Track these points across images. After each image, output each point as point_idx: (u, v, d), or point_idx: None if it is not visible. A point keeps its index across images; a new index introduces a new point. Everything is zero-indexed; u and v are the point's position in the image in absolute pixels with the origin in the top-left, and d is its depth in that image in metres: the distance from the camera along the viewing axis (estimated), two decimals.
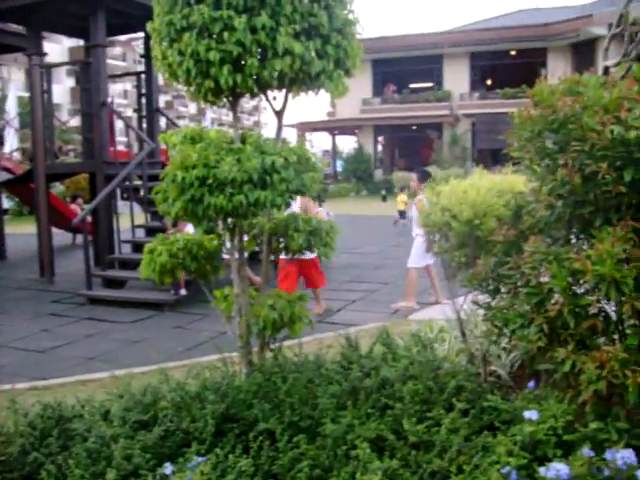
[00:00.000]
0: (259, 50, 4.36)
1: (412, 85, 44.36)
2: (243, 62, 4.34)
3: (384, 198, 32.73)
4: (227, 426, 4.04)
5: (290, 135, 65.42)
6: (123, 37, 35.84)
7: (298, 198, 8.03)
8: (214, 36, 4.28)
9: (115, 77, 23.16)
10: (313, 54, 4.49)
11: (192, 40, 4.26)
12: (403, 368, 4.30)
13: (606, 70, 4.90)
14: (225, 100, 4.82)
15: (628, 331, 3.59)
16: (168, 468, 3.53)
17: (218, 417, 4.03)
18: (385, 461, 3.46)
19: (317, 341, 7.31)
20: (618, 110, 3.49)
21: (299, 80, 4.61)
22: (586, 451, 3.28)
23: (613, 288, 3.28)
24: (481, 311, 4.46)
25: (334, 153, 48.11)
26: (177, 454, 3.81)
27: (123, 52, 71.61)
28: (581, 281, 3.50)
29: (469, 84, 41.25)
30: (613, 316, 3.60)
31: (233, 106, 4.91)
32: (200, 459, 3.54)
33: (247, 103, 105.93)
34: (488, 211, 4.31)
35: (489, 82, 42.46)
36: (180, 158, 4.38)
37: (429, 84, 43.15)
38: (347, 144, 45.44)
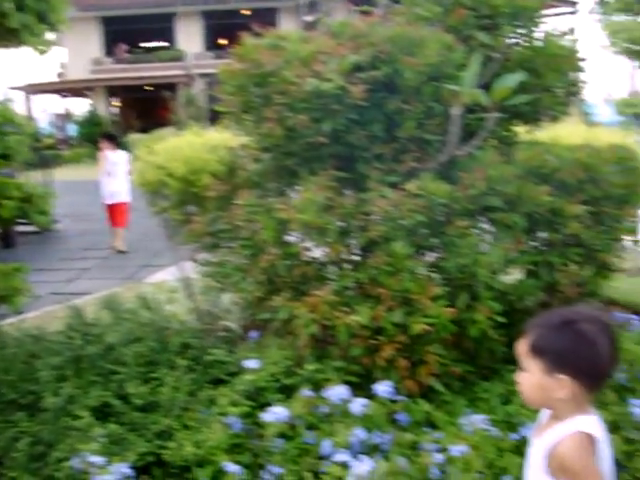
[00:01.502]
0: None
1: (145, 44, 43.07)
2: None
3: None
4: None
5: (18, 98, 60.73)
6: None
7: None
8: None
9: None
10: (12, 6, 4.13)
11: None
12: (127, 331, 4.20)
13: (310, 25, 5.06)
14: None
15: (335, 275, 3.78)
16: None
17: None
18: (108, 427, 3.37)
19: (48, 314, 6.93)
20: (314, 63, 3.61)
21: None
22: (306, 392, 3.43)
23: (318, 235, 3.43)
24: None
25: (65, 117, 45.55)
26: None
27: None
28: (290, 230, 3.62)
29: (203, 43, 40.91)
30: (322, 262, 3.77)
31: None
32: None
33: None
34: (202, 167, 4.30)
35: (223, 41, 42.44)
36: None
37: (163, 43, 42.16)
38: (82, 107, 43.11)
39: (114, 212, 11.69)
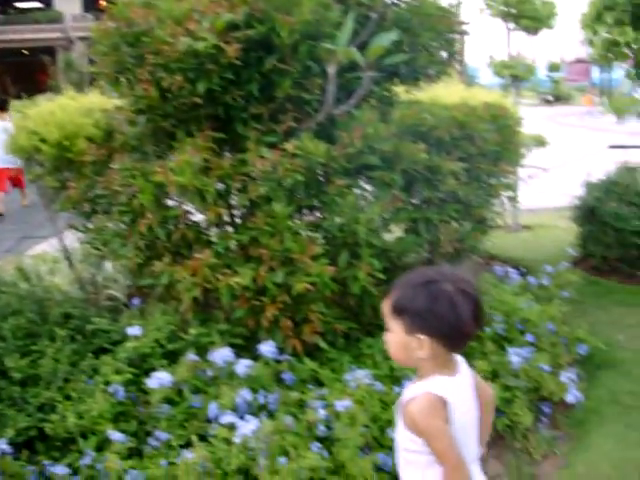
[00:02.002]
0: None
1: (18, 4, 40.86)
2: None
3: None
4: None
5: None
6: None
7: None
8: None
9: None
10: None
11: None
12: (4, 304, 4.05)
13: None
14: None
15: (215, 238, 3.75)
16: None
17: None
18: None
19: None
20: (188, 22, 3.53)
21: None
22: (190, 356, 3.41)
23: (197, 197, 3.38)
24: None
25: None
26: None
27: None
28: (168, 194, 3.55)
29: (82, 5, 39.21)
30: (202, 225, 3.73)
31: None
32: None
33: None
34: (77, 132, 4.15)
35: (103, 2, 40.81)
36: None
37: (38, 4, 40.14)
38: None
39: None
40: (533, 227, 8.97)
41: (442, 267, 2.06)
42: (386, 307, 1.99)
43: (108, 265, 5.15)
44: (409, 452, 2.00)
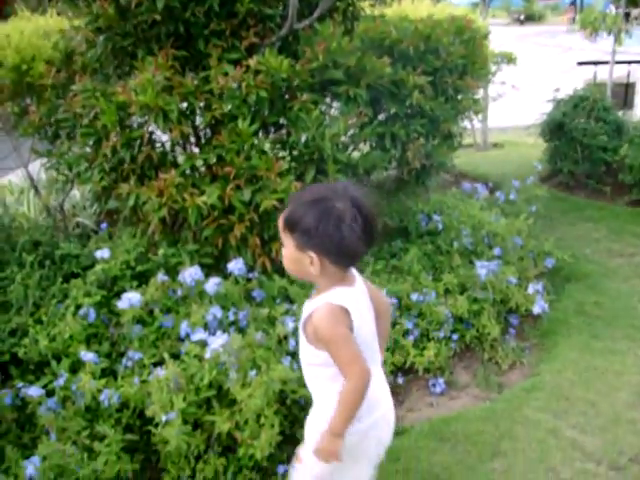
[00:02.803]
0: None
1: None
2: None
3: None
4: None
5: None
6: None
7: None
8: None
9: None
10: None
11: None
12: None
13: None
14: None
15: (181, 157, 3.72)
16: None
17: None
18: None
19: None
20: None
21: None
22: (160, 277, 3.41)
23: (160, 117, 3.33)
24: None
25: None
26: None
27: None
28: (131, 114, 3.49)
29: None
30: (167, 146, 3.69)
31: None
32: None
33: None
34: (36, 55, 4.04)
35: None
36: None
37: None
38: None
39: None
40: (502, 145, 8.99)
41: (340, 184, 1.98)
42: (280, 222, 1.96)
43: (76, 192, 5.10)
44: (314, 366, 2.03)
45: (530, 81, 12.63)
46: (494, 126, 9.08)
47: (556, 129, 6.55)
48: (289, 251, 1.96)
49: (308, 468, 2.15)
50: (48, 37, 4.16)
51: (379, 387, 2.10)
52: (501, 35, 14.33)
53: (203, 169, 3.59)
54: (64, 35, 4.08)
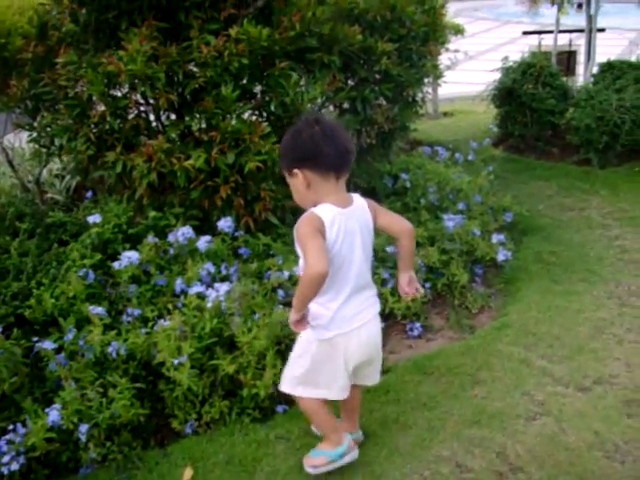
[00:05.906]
0: None
1: None
2: None
3: None
4: None
5: None
6: None
7: None
8: None
9: None
10: None
11: None
12: None
13: None
14: None
15: (167, 123, 3.89)
16: None
17: None
18: None
19: None
20: None
21: None
22: (151, 238, 3.58)
23: (147, 85, 3.49)
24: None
25: None
26: None
27: None
28: (118, 84, 3.64)
29: None
30: (152, 113, 3.85)
31: None
32: None
33: None
34: (12, 29, 4.13)
35: None
36: None
37: None
38: None
39: None
40: (452, 114, 9.29)
41: (317, 117, 2.43)
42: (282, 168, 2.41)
43: (52, 166, 5.16)
44: (302, 267, 2.33)
45: (475, 52, 12.99)
46: (442, 96, 9.36)
47: (506, 95, 6.88)
48: (291, 185, 2.36)
49: (290, 370, 2.57)
50: (22, 12, 4.24)
51: (355, 307, 2.42)
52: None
53: (188, 134, 3.76)
54: (41, 9, 4.16)
